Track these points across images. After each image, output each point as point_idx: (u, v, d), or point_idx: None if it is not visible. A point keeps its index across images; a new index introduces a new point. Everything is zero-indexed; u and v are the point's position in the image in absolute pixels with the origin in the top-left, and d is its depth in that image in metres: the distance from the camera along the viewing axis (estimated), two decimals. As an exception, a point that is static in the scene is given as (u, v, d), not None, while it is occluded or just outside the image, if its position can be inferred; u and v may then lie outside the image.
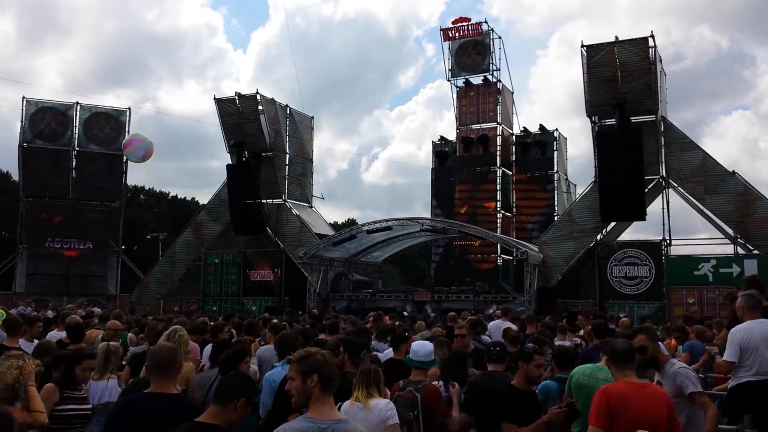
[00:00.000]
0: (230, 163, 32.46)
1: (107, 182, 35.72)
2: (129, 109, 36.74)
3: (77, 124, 35.28)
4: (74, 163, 35.34)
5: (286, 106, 34.43)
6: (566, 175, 36.18)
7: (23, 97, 34.80)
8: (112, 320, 8.72)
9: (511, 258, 31.36)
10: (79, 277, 34.75)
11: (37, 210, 34.75)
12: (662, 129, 27.18)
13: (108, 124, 36.01)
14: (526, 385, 4.87)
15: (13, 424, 1.63)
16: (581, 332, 9.81)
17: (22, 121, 34.58)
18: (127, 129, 36.00)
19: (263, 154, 32.71)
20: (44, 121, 34.84)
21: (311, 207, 36.00)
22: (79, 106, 35.53)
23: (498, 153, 34.10)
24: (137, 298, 32.91)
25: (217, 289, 32.79)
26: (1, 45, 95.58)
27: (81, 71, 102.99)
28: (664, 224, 27.00)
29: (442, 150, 36.58)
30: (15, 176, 42.25)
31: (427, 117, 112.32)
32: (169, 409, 3.65)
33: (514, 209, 35.11)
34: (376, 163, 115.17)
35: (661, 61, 27.94)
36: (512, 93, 36.26)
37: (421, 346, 5.21)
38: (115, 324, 8.17)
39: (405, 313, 21.49)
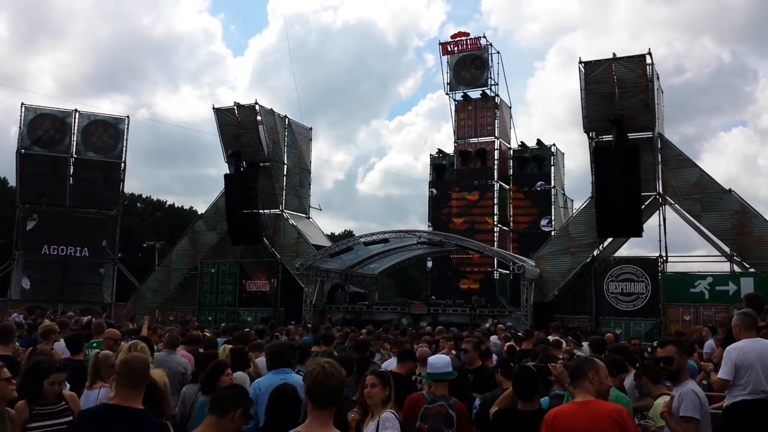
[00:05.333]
0: (228, 172, 32.48)
1: (104, 190, 35.65)
2: (128, 117, 36.87)
3: (75, 131, 35.24)
4: (72, 170, 35.25)
5: (285, 116, 34.53)
6: (563, 190, 36.35)
7: (22, 104, 34.83)
8: (110, 329, 8.57)
9: (507, 272, 31.37)
10: (75, 285, 34.65)
11: (33, 216, 34.63)
12: (659, 146, 27.29)
13: (106, 132, 36.01)
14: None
15: None
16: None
17: (20, 128, 34.53)
18: (125, 137, 36.11)
19: (261, 164, 32.77)
20: (42, 128, 34.77)
21: (308, 218, 36.01)
22: (77, 114, 35.49)
23: (495, 167, 34.27)
24: (132, 307, 32.76)
25: (213, 298, 32.70)
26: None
27: (76, 76, 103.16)
28: (660, 241, 27.02)
29: (439, 163, 36.72)
30: (12, 182, 42.26)
31: (426, 128, 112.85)
32: (133, 425, 3.58)
33: (511, 223, 35.20)
34: (372, 174, 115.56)
35: (658, 78, 28.12)
36: (510, 107, 36.52)
37: (438, 359, 5.21)
38: (113, 333, 8.03)
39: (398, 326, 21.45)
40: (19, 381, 4.78)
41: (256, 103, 32.29)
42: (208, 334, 10.96)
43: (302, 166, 35.83)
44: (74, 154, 35.24)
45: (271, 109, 33.43)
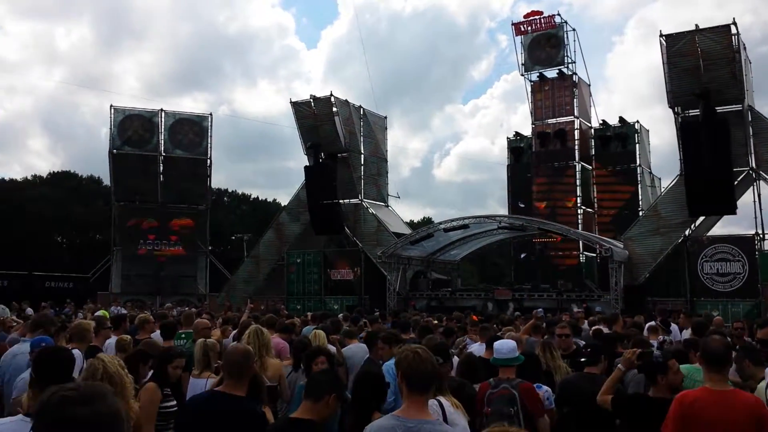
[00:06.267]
0: (307, 164, 33.17)
1: (193, 186, 37.13)
2: (210, 114, 38.31)
3: (162, 130, 36.73)
4: (161, 168, 36.86)
5: (360, 106, 34.88)
6: (650, 168, 35.03)
7: (111, 106, 36.47)
8: (199, 320, 8.84)
9: (594, 255, 30.59)
10: (171, 278, 36.32)
11: (128, 214, 36.52)
12: (750, 119, 25.93)
13: (191, 130, 37.43)
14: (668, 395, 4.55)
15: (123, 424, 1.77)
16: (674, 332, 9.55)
17: (111, 129, 36.20)
18: (209, 134, 37.42)
19: (339, 155, 33.30)
20: (131, 128, 36.39)
21: (387, 206, 36.29)
22: (163, 113, 37.00)
23: (576, 147, 33.41)
24: (226, 297, 34.05)
25: (300, 287, 33.48)
26: (80, 50, 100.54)
27: (158, 75, 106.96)
28: (756, 217, 25.77)
29: (517, 146, 36.15)
30: (106, 181, 44.57)
31: (501, 111, 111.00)
32: (230, 410, 3.84)
33: (596, 205, 34.26)
34: (448, 160, 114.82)
35: (745, 48, 26.65)
36: (589, 85, 35.43)
37: (503, 344, 5.22)
38: (203, 323, 8.32)
39: (481, 312, 21.37)
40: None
41: (331, 94, 32.79)
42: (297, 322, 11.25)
43: (379, 155, 36.11)
44: (163, 152, 36.81)
45: (346, 100, 33.85)
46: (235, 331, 8.97)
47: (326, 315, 12.28)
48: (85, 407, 1.62)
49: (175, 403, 5.00)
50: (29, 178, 58.48)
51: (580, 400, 5.10)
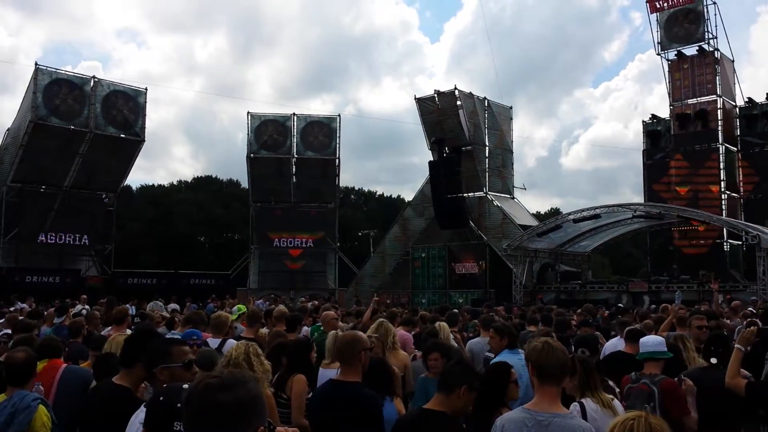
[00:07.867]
0: (432, 159, 33.30)
1: (323, 185, 38.44)
2: (339, 116, 39.28)
3: (295, 133, 38.29)
4: (294, 169, 38.45)
5: (484, 98, 34.49)
6: (803, 146, 31.92)
7: (248, 113, 38.48)
8: (325, 312, 9.21)
9: (740, 243, 28.39)
10: (303, 273, 37.87)
11: (264, 214, 38.48)
12: None
13: (321, 131, 38.72)
14: None
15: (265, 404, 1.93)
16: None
17: (248, 134, 38.23)
18: (338, 134, 38.57)
19: (463, 148, 33.15)
20: (267, 133, 38.22)
21: (513, 198, 35.70)
22: (295, 117, 38.57)
23: (720, 128, 31.14)
24: (354, 292, 35.00)
25: (425, 282, 33.78)
26: (217, 60, 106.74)
27: (289, 80, 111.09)
28: None
29: (654, 129, 34.24)
30: (244, 183, 47.20)
31: (635, 93, 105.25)
32: (343, 396, 3.97)
33: (742, 189, 31.75)
34: (577, 147, 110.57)
35: None
36: (732, 61, 32.91)
37: (649, 338, 5.12)
38: (329, 315, 8.58)
39: (620, 305, 20.46)
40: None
41: (455, 88, 32.70)
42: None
43: (504, 146, 35.56)
44: (295, 155, 38.36)
45: (470, 93, 33.65)
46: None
47: (444, 308, 12.32)
48: (227, 393, 1.76)
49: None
50: (175, 183, 63.41)
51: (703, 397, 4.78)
